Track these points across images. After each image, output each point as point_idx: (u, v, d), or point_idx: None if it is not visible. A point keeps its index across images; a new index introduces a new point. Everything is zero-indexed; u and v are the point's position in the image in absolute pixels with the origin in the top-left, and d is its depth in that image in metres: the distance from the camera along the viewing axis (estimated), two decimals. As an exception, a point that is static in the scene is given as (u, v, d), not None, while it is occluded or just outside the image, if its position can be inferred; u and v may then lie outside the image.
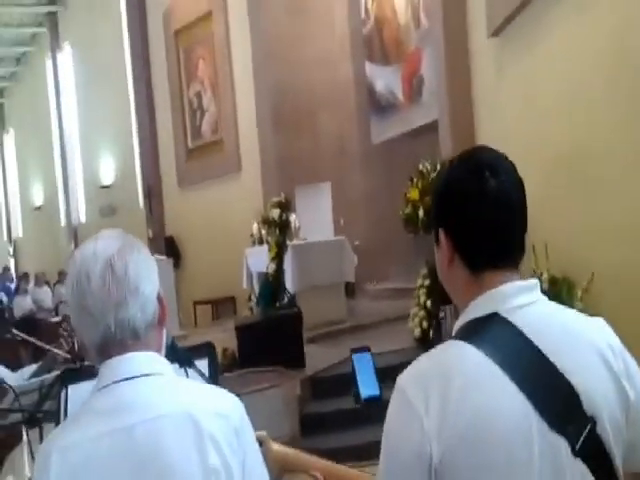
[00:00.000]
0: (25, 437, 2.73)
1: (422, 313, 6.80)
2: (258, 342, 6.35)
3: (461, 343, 1.12)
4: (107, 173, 16.42)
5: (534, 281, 1.19)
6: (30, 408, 2.75)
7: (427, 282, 6.88)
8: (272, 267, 7.97)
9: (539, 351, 1.10)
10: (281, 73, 10.30)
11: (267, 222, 8.59)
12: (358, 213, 9.88)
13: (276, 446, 1.52)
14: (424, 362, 1.15)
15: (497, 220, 1.15)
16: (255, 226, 9.37)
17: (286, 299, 7.99)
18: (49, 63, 19.25)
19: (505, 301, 1.14)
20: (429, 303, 6.77)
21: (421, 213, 6.91)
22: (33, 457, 2.33)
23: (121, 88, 15.02)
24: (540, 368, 1.10)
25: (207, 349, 1.69)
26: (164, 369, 1.25)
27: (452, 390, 1.06)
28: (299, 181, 9.21)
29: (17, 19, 18.83)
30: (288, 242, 8.02)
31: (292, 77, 10.27)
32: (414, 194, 6.95)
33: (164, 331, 1.31)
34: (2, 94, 22.98)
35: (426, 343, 6.66)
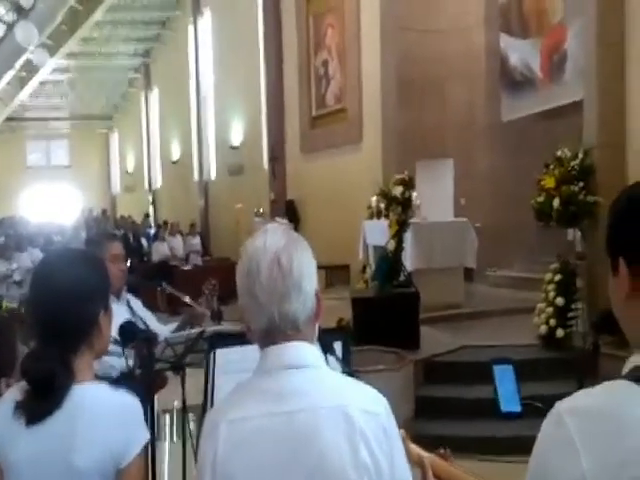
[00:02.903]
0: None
1: (550, 310, 5.91)
2: (373, 317, 6.01)
3: (636, 387, 0.90)
4: (236, 134, 16.16)
5: None
6: (176, 359, 2.94)
7: (557, 277, 5.95)
8: (392, 244, 7.29)
9: None
10: (409, 42, 9.29)
11: (387, 197, 7.84)
12: (480, 193, 8.81)
13: (412, 445, 1.53)
14: (590, 400, 0.94)
15: None
16: (374, 199, 8.71)
17: (403, 277, 7.37)
18: (191, 27, 19.11)
19: None
20: (559, 300, 5.85)
21: (556, 203, 5.87)
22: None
23: (253, 54, 14.59)
24: None
25: (341, 333, 1.77)
26: (320, 361, 1.30)
27: (620, 443, 0.88)
28: (420, 154, 8.33)
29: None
30: (409, 220, 7.30)
31: (421, 46, 9.25)
32: (550, 182, 5.91)
33: (317, 325, 1.33)
34: (149, 55, 23.23)
35: (552, 343, 5.81)
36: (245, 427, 1.22)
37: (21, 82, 19.66)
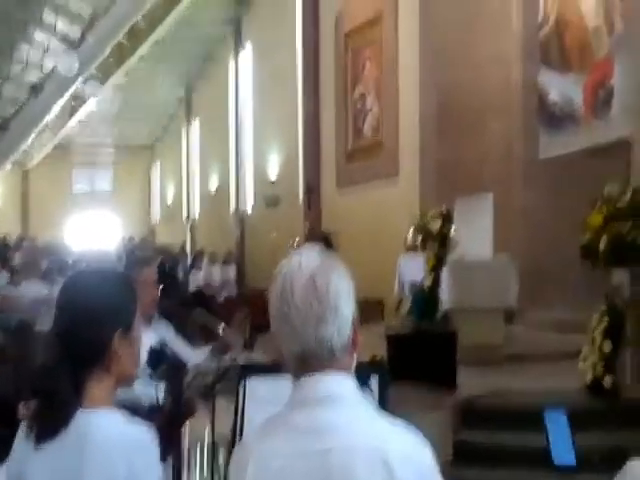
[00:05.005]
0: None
1: (596, 355, 5.48)
2: (408, 355, 5.79)
3: None
4: (273, 166, 16.16)
5: None
6: (206, 387, 2.87)
7: (605, 322, 5.53)
8: (429, 280, 7.01)
9: None
10: (448, 74, 9.06)
11: (425, 231, 7.57)
12: (519, 230, 8.43)
13: None
14: None
15: None
16: (411, 233, 8.43)
17: (440, 315, 7.05)
18: (232, 62, 19.33)
19: None
20: (606, 345, 5.43)
21: (604, 243, 5.50)
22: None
23: (291, 88, 14.60)
24: None
25: (379, 368, 1.66)
26: (358, 396, 1.19)
27: None
28: (458, 188, 8.05)
29: (207, 21, 19.02)
30: (446, 256, 7.00)
31: (459, 79, 9.00)
32: (597, 220, 5.55)
33: (355, 355, 1.22)
34: (191, 87, 23.60)
35: (600, 391, 5.37)
36: (275, 465, 1.13)
37: (69, 112, 20.07)
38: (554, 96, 8.23)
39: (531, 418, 4.76)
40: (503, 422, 5.21)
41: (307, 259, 1.20)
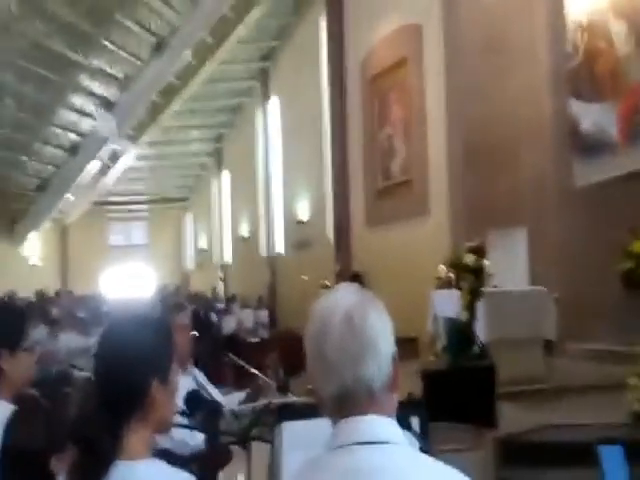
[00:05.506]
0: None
1: (644, 386, 5.22)
2: (446, 392, 5.55)
3: None
4: (303, 209, 16.28)
5: None
6: (242, 432, 2.75)
7: (652, 350, 5.29)
8: (465, 314, 6.84)
9: None
10: (476, 110, 9.05)
11: (458, 266, 7.44)
12: (557, 262, 8.19)
13: None
14: None
15: None
16: (443, 269, 8.31)
17: (477, 349, 6.85)
18: (259, 112, 19.75)
19: None
20: (655, 375, 5.18)
21: (646, 270, 5.33)
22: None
23: (319, 131, 14.81)
24: None
25: (418, 407, 1.64)
26: (401, 438, 1.11)
27: None
28: (490, 221, 7.95)
29: (235, 74, 19.55)
30: (482, 289, 6.85)
31: (486, 115, 8.97)
32: (637, 247, 5.39)
33: (396, 395, 1.14)
34: (221, 139, 24.10)
35: (649, 423, 5.10)
36: None
37: (106, 169, 20.65)
38: (587, 125, 8.13)
39: (578, 453, 4.50)
40: (548, 458, 4.96)
41: (343, 296, 1.15)
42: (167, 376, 1.41)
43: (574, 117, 8.32)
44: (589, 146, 7.99)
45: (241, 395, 3.36)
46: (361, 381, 1.09)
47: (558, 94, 8.71)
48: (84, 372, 7.87)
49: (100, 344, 1.43)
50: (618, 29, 7.54)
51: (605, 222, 7.13)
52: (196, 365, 3.39)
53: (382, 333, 1.12)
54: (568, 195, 8.48)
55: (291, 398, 3.99)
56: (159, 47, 14.71)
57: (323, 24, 14.49)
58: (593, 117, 7.92)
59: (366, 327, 1.11)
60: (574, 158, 8.29)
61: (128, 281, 27.24)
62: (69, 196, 20.60)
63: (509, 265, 7.23)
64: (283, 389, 3.86)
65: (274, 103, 18.92)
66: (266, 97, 19.30)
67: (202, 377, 3.33)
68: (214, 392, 3.29)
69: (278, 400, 3.16)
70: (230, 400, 3.27)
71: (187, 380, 2.95)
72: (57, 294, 18.37)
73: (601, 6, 7.92)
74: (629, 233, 5.52)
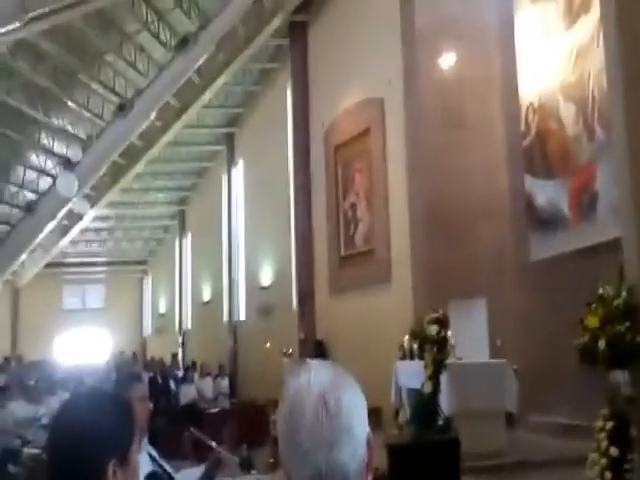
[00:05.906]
0: None
1: (604, 461, 5.26)
2: (411, 466, 5.54)
3: None
4: (266, 275, 16.22)
5: None
6: None
7: (609, 425, 5.36)
8: (429, 386, 6.84)
9: None
10: (435, 184, 9.35)
11: (420, 337, 7.49)
12: (515, 334, 8.34)
13: None
14: None
15: None
16: (406, 339, 8.35)
17: (441, 422, 6.83)
18: (224, 176, 19.86)
19: None
20: (613, 450, 5.23)
21: (602, 344, 5.45)
22: None
23: (283, 199, 14.97)
24: None
25: None
26: None
27: None
28: (451, 293, 8.08)
29: (201, 138, 19.75)
30: (445, 361, 6.90)
31: (445, 188, 9.27)
32: (593, 321, 5.53)
33: (370, 477, 1.10)
34: (184, 202, 24.07)
35: (612, 500, 5.12)
36: None
37: (63, 230, 20.29)
38: (541, 201, 8.48)
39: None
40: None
41: (317, 375, 1.11)
42: (127, 456, 1.34)
43: (529, 193, 8.68)
44: (544, 221, 8.32)
45: (200, 470, 3.24)
46: (335, 466, 1.05)
47: (514, 170, 9.11)
48: (32, 446, 7.50)
49: (55, 420, 1.36)
50: (567, 111, 7.99)
51: (561, 295, 7.33)
52: (152, 437, 3.20)
53: (357, 416, 1.09)
54: (525, 268, 8.74)
55: (255, 476, 3.84)
56: (123, 108, 14.78)
57: (289, 93, 14.91)
58: (547, 193, 8.27)
59: (341, 412, 1.07)
60: (530, 232, 8.60)
61: (83, 346, 26.42)
62: (23, 257, 20.10)
63: (470, 335, 7.33)
64: (247, 466, 3.68)
65: (239, 168, 19.12)
66: (231, 162, 19.48)
67: (154, 452, 3.14)
68: (168, 468, 3.11)
69: (242, 479, 3.07)
70: (187, 475, 3.17)
71: (143, 458, 2.78)
72: (6, 360, 17.72)
73: (551, 88, 8.39)
74: (585, 307, 5.68)
